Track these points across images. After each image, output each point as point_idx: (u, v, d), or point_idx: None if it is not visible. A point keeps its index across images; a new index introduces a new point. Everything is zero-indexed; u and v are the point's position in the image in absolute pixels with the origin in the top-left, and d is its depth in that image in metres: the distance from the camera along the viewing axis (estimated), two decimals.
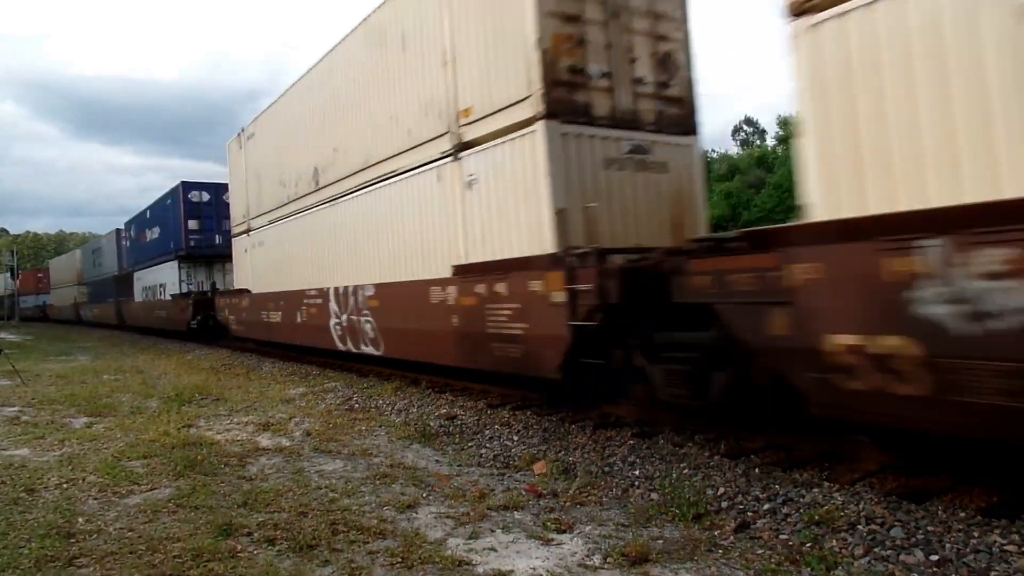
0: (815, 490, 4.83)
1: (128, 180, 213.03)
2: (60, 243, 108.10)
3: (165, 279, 25.74)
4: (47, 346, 25.27)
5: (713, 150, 56.61)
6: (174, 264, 24.55)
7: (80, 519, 4.83)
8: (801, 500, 4.70)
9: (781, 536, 4.21)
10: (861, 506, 4.47)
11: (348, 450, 6.79)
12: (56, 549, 4.24)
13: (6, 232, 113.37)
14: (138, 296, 30.47)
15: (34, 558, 4.11)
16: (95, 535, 4.51)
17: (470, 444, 6.99)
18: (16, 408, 10.04)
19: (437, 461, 6.37)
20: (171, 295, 24.50)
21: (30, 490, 5.58)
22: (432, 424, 7.84)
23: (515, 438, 7.08)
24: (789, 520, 4.44)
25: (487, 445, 6.91)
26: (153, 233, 27.40)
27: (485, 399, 9.02)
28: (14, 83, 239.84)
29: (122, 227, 33.76)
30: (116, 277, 33.98)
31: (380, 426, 7.95)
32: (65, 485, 5.72)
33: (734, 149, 61.85)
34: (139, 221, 30.19)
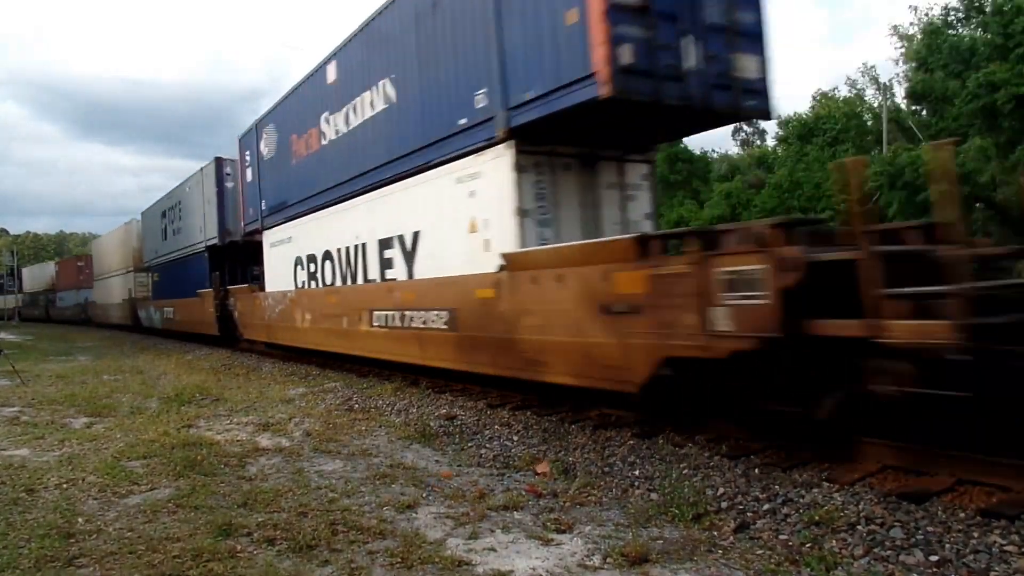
0: (815, 490, 4.83)
1: (129, 180, 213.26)
2: (60, 243, 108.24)
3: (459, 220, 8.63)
4: (47, 346, 25.23)
5: (713, 150, 56.64)
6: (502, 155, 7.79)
7: (80, 519, 4.82)
8: (801, 500, 4.70)
9: (781, 536, 4.21)
10: (861, 506, 4.46)
11: (348, 450, 6.79)
12: (56, 549, 4.23)
13: (6, 232, 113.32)
14: (283, 280, 14.73)
15: (34, 558, 4.11)
16: (95, 535, 4.51)
17: (470, 444, 6.99)
18: (16, 408, 10.03)
19: (437, 461, 6.37)
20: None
21: (30, 490, 5.58)
22: (432, 424, 7.84)
23: (515, 438, 7.08)
24: (789, 520, 4.44)
25: (487, 445, 6.91)
26: (369, 104, 10.60)
27: (485, 399, 9.02)
28: (15, 83, 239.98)
29: (225, 155, 18.86)
30: (215, 249, 19.23)
31: (380, 426, 7.95)
32: (65, 485, 5.72)
33: (734, 149, 61.93)
34: (304, 97, 13.14)
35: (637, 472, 5.67)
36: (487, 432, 7.42)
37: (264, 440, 7.34)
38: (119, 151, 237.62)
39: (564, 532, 4.43)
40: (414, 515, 4.81)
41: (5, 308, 57.31)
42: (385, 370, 11.87)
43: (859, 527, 4.19)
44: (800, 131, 42.43)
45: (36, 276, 57.03)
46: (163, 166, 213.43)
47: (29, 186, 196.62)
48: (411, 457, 6.50)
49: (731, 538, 4.24)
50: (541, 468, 5.90)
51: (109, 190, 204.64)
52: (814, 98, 47.86)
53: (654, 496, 5.07)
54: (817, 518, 4.33)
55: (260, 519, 4.71)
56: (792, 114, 46.02)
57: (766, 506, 4.68)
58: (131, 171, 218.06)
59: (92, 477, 5.91)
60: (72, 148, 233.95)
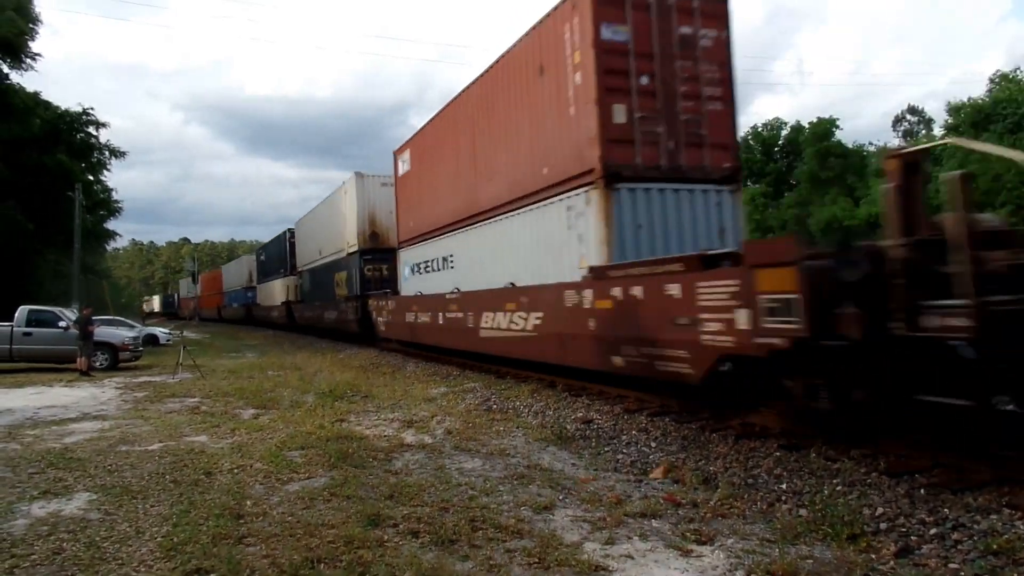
0: (992, 516, 4.35)
1: (290, 191, 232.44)
2: (232, 250, 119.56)
3: None
4: (221, 344, 28.00)
5: (870, 143, 52.48)
6: None
7: (248, 502, 5.29)
8: (975, 527, 4.24)
9: (951, 565, 3.82)
10: None
11: (486, 449, 6.96)
12: (228, 528, 4.67)
13: (188, 241, 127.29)
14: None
15: (211, 535, 4.55)
16: (261, 517, 4.93)
17: (606, 449, 6.93)
18: (197, 399, 11.23)
19: (573, 464, 6.37)
20: None
21: (208, 473, 6.21)
22: (568, 427, 7.86)
23: (653, 444, 6.94)
24: (960, 547, 4.02)
25: (624, 451, 6.83)
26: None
27: (622, 404, 8.91)
28: (200, 107, 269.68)
29: None
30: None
31: (517, 427, 8.08)
32: (236, 470, 6.30)
33: (895, 141, 57.04)
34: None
35: (784, 486, 5.37)
36: (624, 437, 7.32)
37: (408, 436, 7.69)
38: (281, 164, 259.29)
39: (704, 544, 4.28)
40: (551, 516, 4.84)
41: (272, 305, 34.92)
42: (522, 372, 12.03)
43: None
44: (974, 118, 38.26)
45: (316, 233, 27.46)
46: (319, 177, 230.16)
47: (208, 199, 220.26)
48: (547, 459, 6.54)
49: (892, 563, 3.90)
50: (655, 474, 5.83)
51: (273, 201, 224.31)
52: (992, 80, 42.95)
53: (803, 512, 4.78)
54: (996, 547, 3.89)
55: (405, 511, 4.93)
56: (966, 99, 41.65)
57: (933, 530, 4.27)
58: (292, 183, 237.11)
59: (259, 464, 6.47)
60: (243, 163, 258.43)
